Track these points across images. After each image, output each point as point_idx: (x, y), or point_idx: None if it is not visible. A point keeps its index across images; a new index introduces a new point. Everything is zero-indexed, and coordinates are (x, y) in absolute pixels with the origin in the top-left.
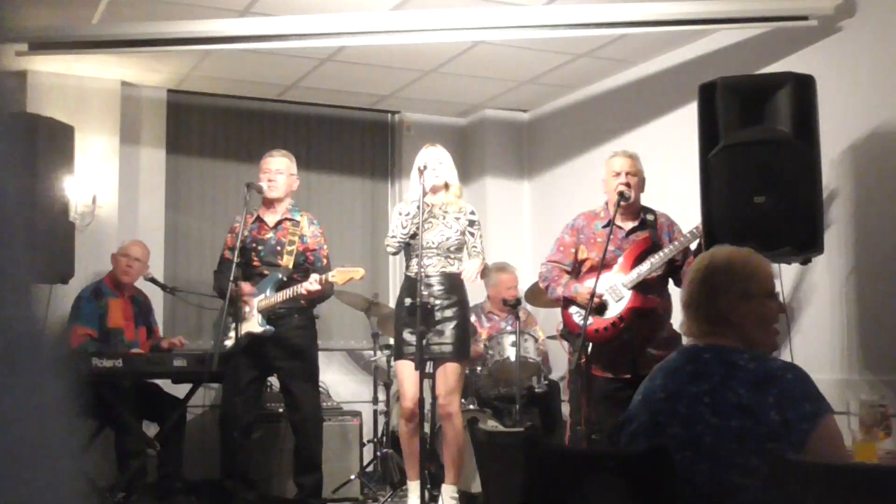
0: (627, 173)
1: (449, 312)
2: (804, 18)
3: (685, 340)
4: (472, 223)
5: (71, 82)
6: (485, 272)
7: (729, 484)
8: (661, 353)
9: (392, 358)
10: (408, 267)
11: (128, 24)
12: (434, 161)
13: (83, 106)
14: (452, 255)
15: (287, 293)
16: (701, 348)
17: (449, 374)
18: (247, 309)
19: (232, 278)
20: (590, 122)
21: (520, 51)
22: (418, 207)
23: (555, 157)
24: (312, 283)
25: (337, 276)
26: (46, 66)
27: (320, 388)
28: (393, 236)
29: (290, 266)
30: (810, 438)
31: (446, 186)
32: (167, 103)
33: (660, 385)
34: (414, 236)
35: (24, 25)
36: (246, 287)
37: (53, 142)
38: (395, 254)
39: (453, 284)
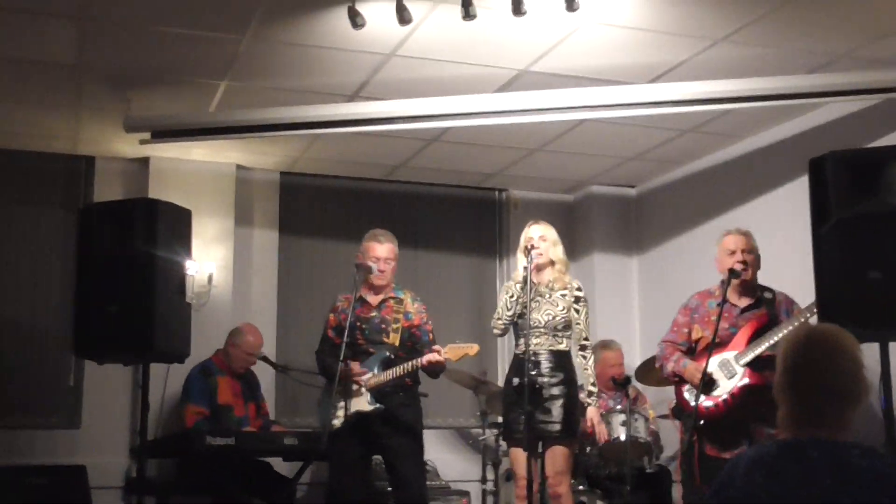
0: (743, 251)
1: (556, 391)
2: None
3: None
4: (577, 300)
5: (189, 167)
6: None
7: None
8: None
9: (500, 437)
10: (517, 346)
11: (242, 111)
12: (537, 239)
13: (200, 189)
14: (560, 333)
15: (398, 370)
16: (805, 443)
17: (557, 455)
18: (354, 387)
19: (342, 357)
20: (698, 197)
21: (625, 128)
22: (522, 288)
23: (663, 233)
24: (432, 356)
25: (450, 352)
26: (167, 153)
27: (427, 467)
28: (499, 318)
29: (397, 344)
30: None
31: (551, 263)
32: (280, 185)
33: (760, 484)
34: (522, 315)
35: (146, 115)
36: (356, 366)
37: (172, 224)
38: (500, 335)
39: (561, 362)
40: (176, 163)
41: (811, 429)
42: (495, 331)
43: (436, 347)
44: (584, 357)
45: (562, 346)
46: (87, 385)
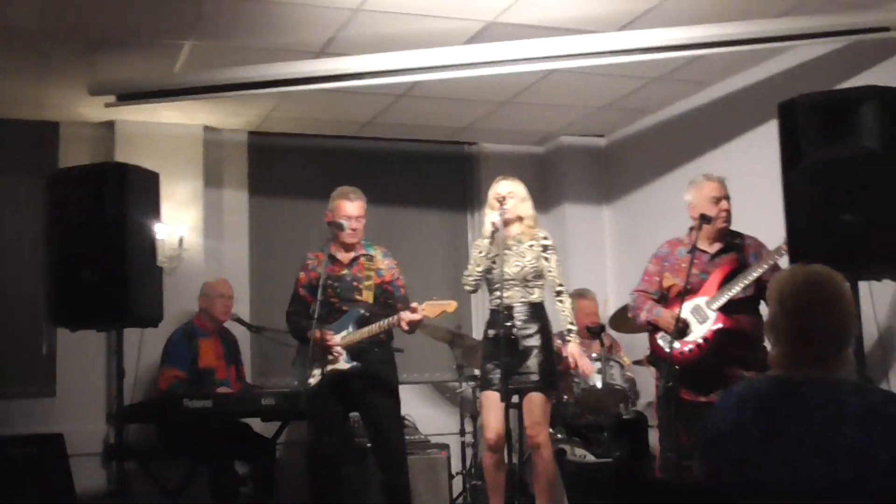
0: (726, 198)
1: (532, 342)
2: (885, 30)
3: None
4: (545, 248)
5: (156, 130)
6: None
7: None
8: (753, 374)
9: (479, 388)
10: (490, 300)
11: (208, 71)
12: (505, 195)
13: (168, 152)
14: (531, 284)
15: (373, 328)
16: (797, 381)
17: (534, 404)
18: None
19: (315, 315)
20: (668, 145)
21: (594, 77)
22: (491, 242)
23: (633, 182)
24: (410, 314)
25: (428, 309)
26: (133, 116)
27: (406, 422)
28: (468, 275)
29: (370, 301)
30: None
31: (519, 219)
32: (248, 145)
33: (752, 418)
34: (490, 270)
35: (111, 78)
36: (328, 335)
37: (141, 188)
38: (472, 291)
39: (535, 313)
40: (142, 126)
41: (805, 368)
42: (466, 287)
43: (413, 305)
44: (561, 301)
45: (534, 297)
46: (61, 352)
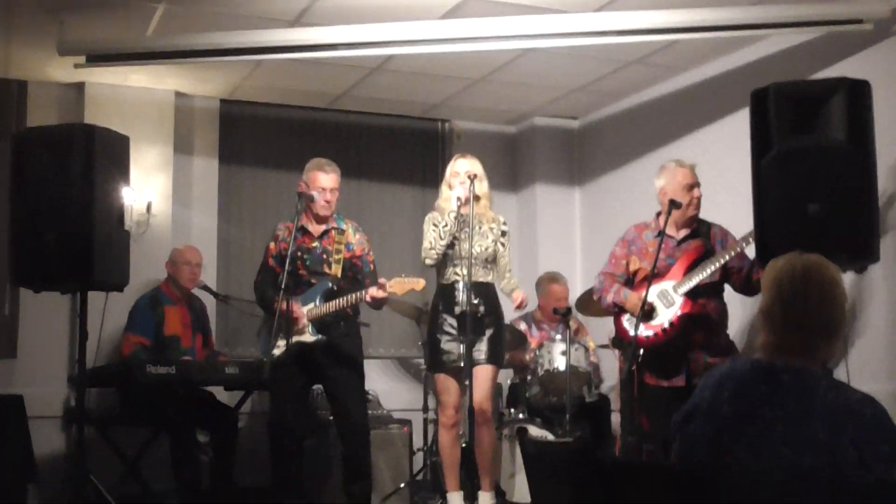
0: (698, 185)
1: (487, 319)
2: (859, 22)
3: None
4: (504, 234)
5: (126, 94)
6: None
7: None
8: (717, 360)
9: (427, 367)
10: (442, 275)
11: (181, 35)
12: (464, 174)
13: (138, 117)
14: (489, 266)
15: (340, 302)
16: (778, 368)
17: (484, 378)
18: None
19: (283, 286)
20: (640, 130)
21: (569, 58)
22: (455, 218)
23: (605, 165)
24: (378, 290)
25: (395, 286)
26: (103, 79)
27: (369, 397)
28: (432, 248)
29: (339, 275)
30: (888, 479)
31: (477, 198)
32: (220, 113)
33: (728, 398)
34: (451, 246)
35: (81, 39)
36: (296, 307)
37: (109, 152)
38: (433, 265)
39: (488, 294)
40: (112, 89)
41: (790, 356)
42: (428, 261)
43: (381, 281)
44: (509, 280)
45: (489, 278)
46: (24, 314)
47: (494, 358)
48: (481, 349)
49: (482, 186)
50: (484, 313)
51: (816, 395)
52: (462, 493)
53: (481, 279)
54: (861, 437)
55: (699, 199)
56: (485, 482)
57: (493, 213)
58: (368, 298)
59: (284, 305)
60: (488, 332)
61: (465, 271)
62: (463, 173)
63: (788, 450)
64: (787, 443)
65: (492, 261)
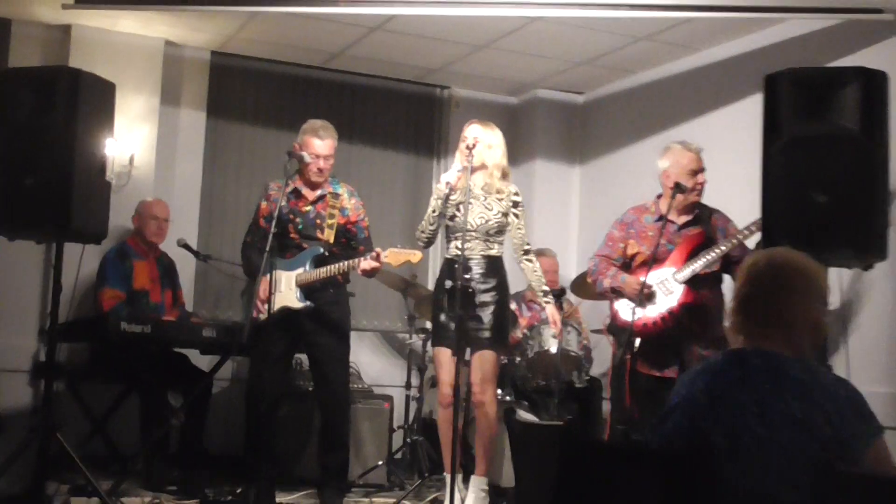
0: (702, 171)
1: (487, 297)
2: (878, 11)
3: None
4: (515, 205)
5: (114, 39)
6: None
7: (773, 499)
8: (710, 352)
9: (430, 343)
10: (447, 249)
11: None
12: (472, 140)
13: (125, 64)
14: (492, 239)
15: (331, 269)
16: (749, 353)
17: (484, 361)
18: (283, 283)
19: (268, 248)
20: (647, 109)
21: (578, 30)
22: (451, 191)
23: (608, 143)
24: (370, 261)
25: (391, 256)
26: (91, 22)
27: (351, 369)
28: (422, 231)
29: (331, 240)
30: (863, 457)
31: (484, 167)
32: (210, 65)
33: (702, 388)
34: (453, 218)
35: None
36: (264, 286)
37: (94, 98)
38: (425, 247)
39: (493, 268)
40: (100, 33)
41: (762, 342)
42: (419, 243)
43: (377, 251)
44: (530, 261)
45: (493, 252)
46: None
47: (496, 341)
48: (483, 330)
49: (493, 154)
50: (483, 290)
51: (788, 375)
52: (457, 475)
53: (483, 253)
54: (836, 415)
55: (703, 185)
56: (479, 466)
57: (503, 184)
58: (361, 269)
59: (263, 290)
60: (489, 310)
61: (463, 244)
62: (471, 139)
63: (764, 429)
64: (763, 423)
65: (495, 234)
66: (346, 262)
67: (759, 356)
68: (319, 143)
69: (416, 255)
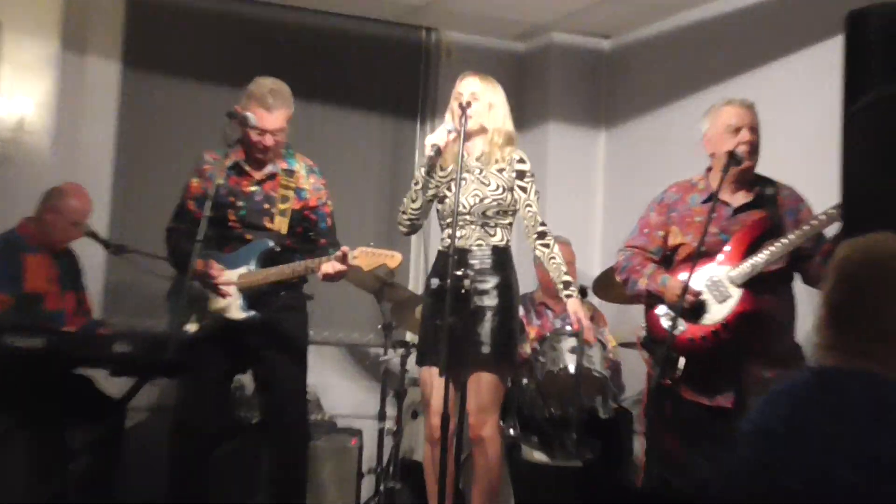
0: (750, 128)
1: (488, 299)
2: None
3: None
4: (521, 175)
5: None
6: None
7: None
8: (777, 374)
9: (413, 360)
10: (441, 239)
11: None
12: (468, 96)
13: None
14: (493, 221)
15: (283, 270)
16: (846, 373)
17: (483, 385)
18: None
19: (200, 237)
20: (691, 58)
21: None
22: (431, 165)
23: (644, 101)
24: (334, 263)
25: (361, 257)
26: None
27: (309, 396)
28: (403, 211)
29: (283, 230)
30: None
31: (483, 131)
32: (126, 1)
33: (782, 416)
34: (444, 199)
35: None
36: (214, 267)
37: None
38: (407, 233)
39: (496, 262)
40: None
41: (862, 361)
42: (401, 227)
43: (343, 250)
44: (547, 246)
45: (496, 240)
46: None
47: (499, 359)
48: (482, 344)
49: (494, 116)
50: (482, 290)
51: (890, 405)
52: None
53: (483, 241)
54: None
55: (750, 144)
56: None
57: (507, 151)
58: (321, 274)
59: (202, 265)
60: (491, 318)
61: (457, 232)
62: (466, 95)
63: (856, 476)
64: (856, 466)
65: (496, 214)
66: (302, 263)
67: (857, 379)
68: (268, 117)
69: (394, 258)
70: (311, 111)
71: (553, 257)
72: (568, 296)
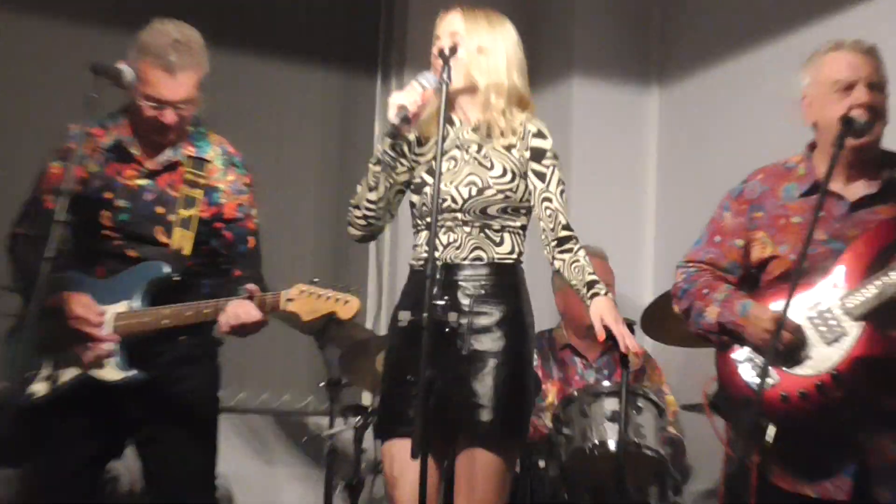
0: (868, 83)
1: (488, 341)
2: None
3: None
4: (538, 154)
5: None
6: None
7: None
8: None
9: (374, 433)
10: (413, 247)
11: None
12: (447, 37)
13: None
14: (498, 224)
15: (181, 311)
16: None
17: (480, 471)
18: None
19: (53, 254)
20: None
21: None
22: (395, 137)
23: (706, 51)
24: (246, 306)
25: (299, 302)
26: None
27: (219, 489)
28: (356, 205)
29: (185, 249)
30: None
31: (472, 89)
32: None
33: None
34: (420, 188)
35: None
36: (82, 299)
37: None
38: (361, 238)
39: (500, 284)
40: None
41: None
42: (352, 230)
43: (250, 288)
44: (570, 251)
45: (502, 252)
46: None
47: (503, 430)
48: (479, 407)
49: (491, 66)
50: (479, 328)
51: None
52: None
53: (480, 252)
54: None
55: (872, 107)
56: None
57: (518, 117)
58: (224, 326)
59: (67, 299)
60: (493, 369)
61: (440, 237)
62: (446, 37)
63: None
64: None
65: (503, 212)
66: (210, 302)
67: None
68: (171, 84)
69: (348, 305)
70: (239, 67)
71: (576, 261)
72: (595, 294)
